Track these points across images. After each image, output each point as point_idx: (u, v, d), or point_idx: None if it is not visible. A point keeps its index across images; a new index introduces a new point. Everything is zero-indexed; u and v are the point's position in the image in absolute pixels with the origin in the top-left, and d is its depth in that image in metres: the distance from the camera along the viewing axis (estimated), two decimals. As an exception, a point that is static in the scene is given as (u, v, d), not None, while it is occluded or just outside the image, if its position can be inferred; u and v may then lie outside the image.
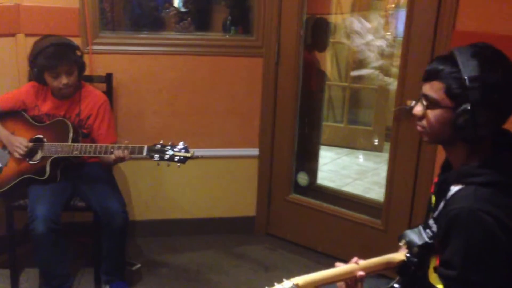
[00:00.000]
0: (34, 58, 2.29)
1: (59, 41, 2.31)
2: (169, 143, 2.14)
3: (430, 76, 1.28)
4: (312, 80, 3.26)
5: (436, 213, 1.33)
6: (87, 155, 2.24)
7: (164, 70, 2.79)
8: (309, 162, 3.35)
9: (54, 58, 2.24)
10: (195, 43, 2.85)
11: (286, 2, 2.74)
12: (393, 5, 4.44)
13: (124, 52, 2.74)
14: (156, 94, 2.81)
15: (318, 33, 3.22)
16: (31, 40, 2.43)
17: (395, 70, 4.17)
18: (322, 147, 3.59)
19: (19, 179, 2.31)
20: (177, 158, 2.12)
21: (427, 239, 1.33)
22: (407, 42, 2.40)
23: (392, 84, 4.11)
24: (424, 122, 1.32)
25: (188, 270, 2.71)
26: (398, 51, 4.10)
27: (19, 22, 2.56)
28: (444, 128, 1.27)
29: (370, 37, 4.19)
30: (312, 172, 3.34)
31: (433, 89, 1.27)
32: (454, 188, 1.28)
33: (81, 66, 2.38)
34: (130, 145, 2.18)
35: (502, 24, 2.09)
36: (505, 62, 1.25)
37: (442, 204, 1.30)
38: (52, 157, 2.27)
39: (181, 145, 2.14)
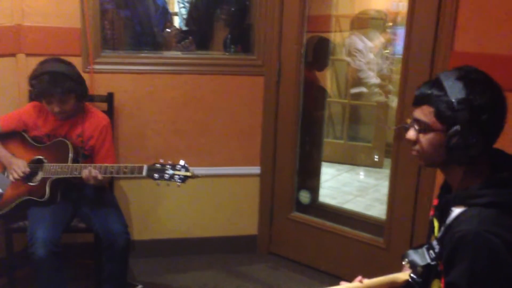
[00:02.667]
0: (32, 81, 2.27)
1: (55, 69, 2.23)
2: (169, 162, 2.13)
3: (419, 101, 1.31)
4: (312, 97, 3.26)
5: (440, 234, 1.32)
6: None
7: (165, 89, 2.79)
8: (310, 179, 3.33)
9: (47, 86, 2.21)
10: (196, 62, 2.85)
11: (286, 21, 2.75)
12: (391, 24, 4.48)
13: (125, 72, 2.74)
14: (157, 113, 2.80)
15: (318, 51, 3.23)
16: (32, 60, 2.44)
17: (393, 88, 4.19)
18: (323, 163, 3.58)
19: (19, 201, 2.28)
20: (177, 177, 2.10)
21: (429, 261, 1.33)
22: (406, 62, 2.41)
23: (392, 101, 4.13)
24: (418, 147, 1.33)
25: (189, 291, 2.68)
26: (396, 68, 4.12)
27: (19, 42, 2.56)
28: (438, 151, 1.29)
29: (371, 55, 4.22)
30: (314, 189, 3.32)
31: (423, 113, 1.29)
32: (456, 210, 1.28)
33: (80, 93, 2.32)
34: (129, 165, 2.17)
35: (500, 44, 2.11)
36: (491, 83, 1.27)
37: (445, 226, 1.30)
38: (52, 178, 2.25)
39: (181, 164, 2.12)
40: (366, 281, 1.36)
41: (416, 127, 1.32)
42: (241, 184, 2.98)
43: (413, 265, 1.36)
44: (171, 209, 2.95)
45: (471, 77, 1.25)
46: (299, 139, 2.93)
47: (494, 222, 1.19)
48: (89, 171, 2.17)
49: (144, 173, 2.13)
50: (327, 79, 4.11)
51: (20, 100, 2.60)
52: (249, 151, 2.94)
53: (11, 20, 2.53)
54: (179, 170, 2.11)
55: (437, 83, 1.27)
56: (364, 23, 4.27)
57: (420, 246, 1.40)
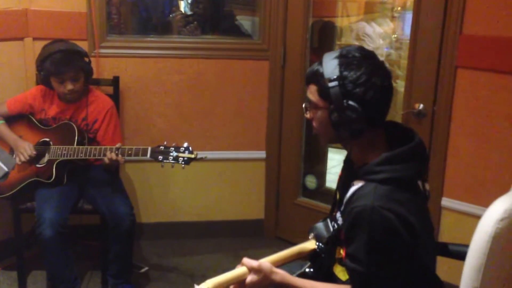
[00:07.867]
0: (42, 62, 2.30)
1: (67, 47, 2.31)
2: (173, 144, 2.14)
3: (307, 80, 1.35)
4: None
5: (342, 207, 1.37)
6: (92, 157, 2.24)
7: (171, 73, 2.80)
8: (317, 165, 3.32)
9: (60, 64, 2.25)
10: (201, 47, 2.86)
11: (291, 5, 2.74)
12: (399, 8, 4.42)
13: (131, 56, 2.76)
14: (163, 96, 2.82)
15: (324, 36, 3.21)
16: (39, 44, 2.46)
17: (402, 73, 4.14)
18: (330, 149, 3.57)
19: (26, 182, 2.32)
20: (181, 159, 2.12)
21: (332, 232, 1.44)
22: (414, 47, 2.38)
23: (400, 86, 4.08)
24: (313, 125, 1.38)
25: (195, 273, 2.69)
26: (404, 54, 4.07)
27: (27, 26, 2.58)
28: (326, 128, 1.33)
29: (380, 41, 4.17)
30: (320, 175, 3.31)
31: (311, 92, 1.34)
32: (356, 184, 1.33)
33: (88, 72, 2.38)
34: (133, 147, 2.19)
35: (509, 27, 2.08)
36: (369, 60, 1.29)
37: (346, 199, 1.35)
38: (58, 160, 2.27)
39: (184, 146, 2.14)
40: (275, 255, 1.42)
41: (308, 106, 1.37)
42: (247, 168, 2.99)
43: (318, 238, 1.46)
44: (177, 193, 2.97)
45: (349, 55, 1.28)
46: (305, 124, 2.92)
47: (388, 198, 1.24)
48: (114, 153, 2.16)
49: (148, 155, 2.15)
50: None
51: (27, 84, 2.63)
52: (254, 135, 2.94)
53: (18, 5, 2.56)
54: (183, 152, 2.13)
55: (320, 62, 1.31)
56: (372, 8, 4.22)
57: (325, 219, 1.50)
